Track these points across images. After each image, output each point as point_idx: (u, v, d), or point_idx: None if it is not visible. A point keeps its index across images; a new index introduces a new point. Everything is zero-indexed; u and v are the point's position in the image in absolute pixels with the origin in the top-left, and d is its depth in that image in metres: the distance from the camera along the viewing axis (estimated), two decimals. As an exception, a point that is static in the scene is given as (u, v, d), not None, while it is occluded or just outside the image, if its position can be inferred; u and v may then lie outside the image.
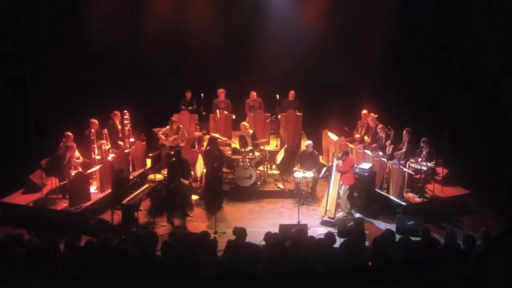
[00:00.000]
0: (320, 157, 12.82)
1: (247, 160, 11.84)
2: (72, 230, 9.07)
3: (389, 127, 12.28)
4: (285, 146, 12.91)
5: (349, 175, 10.67)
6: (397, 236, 7.19)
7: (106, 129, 12.09)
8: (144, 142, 12.77)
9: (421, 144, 11.32)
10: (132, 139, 12.62)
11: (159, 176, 11.02)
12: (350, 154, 11.03)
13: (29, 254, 5.42)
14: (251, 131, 12.64)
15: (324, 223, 10.49)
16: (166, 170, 10.99)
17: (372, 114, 12.99)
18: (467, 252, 6.26)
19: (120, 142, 12.41)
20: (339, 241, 6.80)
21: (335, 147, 12.67)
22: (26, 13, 12.43)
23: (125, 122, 12.56)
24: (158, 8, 14.27)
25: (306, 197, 11.55)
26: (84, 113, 12.46)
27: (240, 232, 7.35)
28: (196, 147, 13.01)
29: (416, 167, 11.12)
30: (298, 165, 11.63)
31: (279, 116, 13.54)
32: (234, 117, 13.64)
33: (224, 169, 12.17)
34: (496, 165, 12.21)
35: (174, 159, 10.63)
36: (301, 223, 10.14)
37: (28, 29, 12.54)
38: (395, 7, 13.92)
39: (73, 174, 10.69)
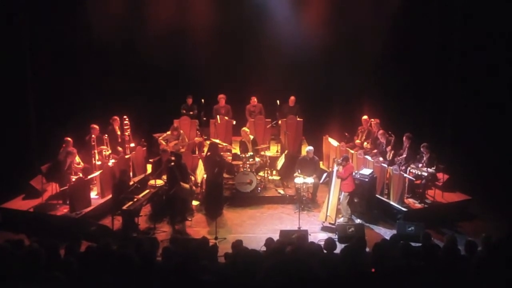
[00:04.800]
0: (321, 162, 12.82)
1: (248, 165, 11.85)
2: (73, 235, 9.05)
3: (390, 132, 12.29)
4: (286, 151, 12.91)
5: (349, 182, 10.67)
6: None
7: (106, 135, 12.10)
8: (145, 148, 12.78)
9: (422, 150, 11.33)
10: (132, 145, 12.64)
11: (159, 182, 11.01)
12: (350, 160, 11.04)
13: (28, 259, 5.41)
14: (251, 137, 12.65)
15: (324, 229, 10.48)
16: (166, 175, 10.99)
17: (373, 119, 13.00)
18: (468, 257, 6.25)
19: (119, 148, 12.41)
20: (339, 247, 6.79)
21: (336, 152, 12.67)
22: (26, 19, 12.48)
23: (125, 127, 12.58)
24: (159, 13, 14.31)
25: (307, 203, 11.55)
26: (84, 119, 12.48)
27: (237, 245, 7.28)
28: (197, 152, 13.01)
29: (416, 172, 11.13)
30: (299, 171, 11.62)
31: (279, 122, 13.54)
32: (234, 122, 13.65)
33: (225, 175, 12.16)
34: (497, 170, 12.21)
35: (173, 163, 10.63)
36: (301, 229, 10.12)
37: (29, 34, 12.58)
38: (395, 13, 13.97)
39: (73, 179, 10.70)
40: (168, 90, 14.54)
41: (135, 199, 9.98)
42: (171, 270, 5.47)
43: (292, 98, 14.11)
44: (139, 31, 14.35)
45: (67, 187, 10.48)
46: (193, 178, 11.38)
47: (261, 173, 12.61)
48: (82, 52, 13.69)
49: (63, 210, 10.44)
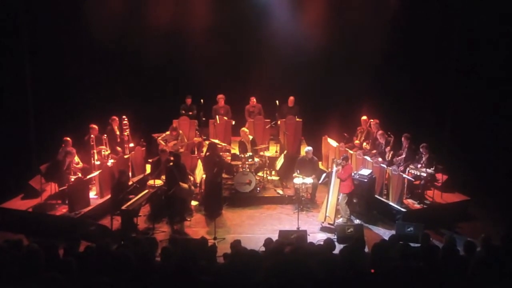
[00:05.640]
0: (320, 163, 12.83)
1: (247, 166, 11.84)
2: (71, 235, 9.04)
3: (389, 133, 12.29)
4: (285, 152, 12.91)
5: (348, 183, 10.67)
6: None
7: (105, 135, 12.10)
8: (144, 148, 12.78)
9: (421, 150, 11.33)
10: (131, 145, 12.64)
11: (158, 182, 11.01)
12: (349, 161, 11.04)
13: (27, 259, 5.41)
14: (250, 137, 12.64)
15: (323, 229, 10.48)
16: (165, 175, 10.99)
17: (372, 120, 13.00)
18: (467, 258, 6.25)
19: (118, 148, 12.41)
20: (338, 247, 6.79)
21: (335, 153, 12.67)
22: (26, 21, 12.49)
23: (124, 127, 12.58)
24: (159, 13, 14.30)
25: (306, 203, 11.54)
26: (83, 119, 12.48)
27: (236, 245, 7.30)
28: (196, 152, 13.01)
29: (415, 173, 11.13)
30: (298, 171, 11.62)
31: (278, 122, 13.55)
32: (233, 123, 13.66)
33: (224, 175, 12.15)
34: (496, 171, 12.21)
35: (172, 164, 10.63)
36: (300, 229, 10.12)
37: (29, 34, 12.58)
38: (394, 13, 13.97)
39: (72, 179, 10.68)
40: (168, 90, 14.54)
41: (134, 199, 9.98)
42: (170, 270, 5.47)
43: (291, 98, 14.12)
44: (138, 31, 14.33)
45: (66, 187, 10.47)
46: (192, 178, 11.39)
47: (260, 173, 12.62)
48: (82, 52, 13.67)
49: (62, 210, 10.44)
